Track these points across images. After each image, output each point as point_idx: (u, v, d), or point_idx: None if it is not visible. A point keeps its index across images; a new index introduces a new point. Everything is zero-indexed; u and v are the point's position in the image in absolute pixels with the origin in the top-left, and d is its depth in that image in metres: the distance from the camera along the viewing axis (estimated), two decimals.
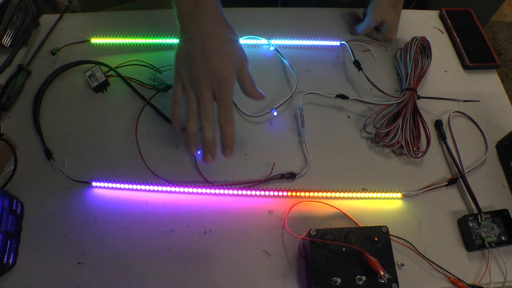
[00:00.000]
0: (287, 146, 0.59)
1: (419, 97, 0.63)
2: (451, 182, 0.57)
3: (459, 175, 0.57)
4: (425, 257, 0.51)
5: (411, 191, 0.56)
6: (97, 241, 0.51)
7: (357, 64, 0.65)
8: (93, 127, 0.60)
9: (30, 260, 0.49)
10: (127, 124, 0.60)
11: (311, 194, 0.55)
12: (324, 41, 0.70)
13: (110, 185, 0.54)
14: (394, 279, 0.45)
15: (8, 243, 0.47)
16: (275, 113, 0.62)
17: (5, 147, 0.54)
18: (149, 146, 0.58)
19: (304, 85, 0.64)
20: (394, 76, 0.68)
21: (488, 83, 0.69)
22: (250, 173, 0.57)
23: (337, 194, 0.55)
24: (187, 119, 0.48)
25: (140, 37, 0.67)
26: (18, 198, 0.52)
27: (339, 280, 0.45)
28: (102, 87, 0.62)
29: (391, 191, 0.56)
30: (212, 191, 0.54)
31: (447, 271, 0.51)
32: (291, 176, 0.56)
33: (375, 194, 0.56)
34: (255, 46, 0.70)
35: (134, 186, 0.54)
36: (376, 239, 0.48)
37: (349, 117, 0.63)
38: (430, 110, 0.65)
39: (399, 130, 0.58)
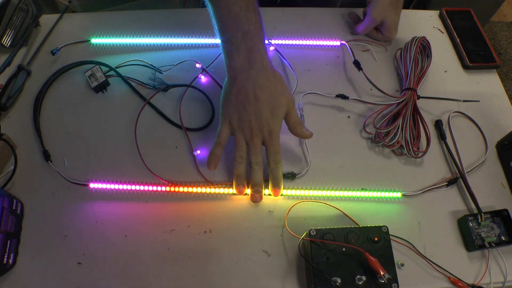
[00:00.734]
0: (287, 146, 0.59)
1: (419, 97, 0.63)
2: (451, 182, 0.57)
3: (459, 175, 0.57)
4: (425, 257, 0.51)
5: (411, 191, 0.56)
6: (97, 241, 0.51)
7: (357, 64, 0.65)
8: (93, 127, 0.60)
9: (30, 260, 0.49)
10: (127, 124, 0.60)
11: (311, 194, 0.55)
12: (324, 41, 0.70)
13: (109, 186, 0.54)
14: (394, 279, 0.45)
15: (8, 243, 0.47)
16: None
17: (5, 147, 0.54)
18: (149, 146, 0.58)
19: (304, 85, 0.64)
20: (394, 76, 0.68)
21: (488, 83, 0.69)
22: None
23: (337, 194, 0.55)
24: (236, 162, 0.53)
25: (140, 37, 0.67)
26: (18, 198, 0.52)
27: (339, 280, 0.45)
28: (102, 87, 0.62)
29: (391, 191, 0.56)
30: (212, 191, 0.54)
31: (447, 271, 0.51)
32: (291, 176, 0.56)
33: (375, 194, 0.56)
34: None
35: (134, 186, 0.54)
36: (376, 239, 0.48)
37: (349, 117, 0.63)
38: (430, 110, 0.65)
39: (399, 130, 0.58)
